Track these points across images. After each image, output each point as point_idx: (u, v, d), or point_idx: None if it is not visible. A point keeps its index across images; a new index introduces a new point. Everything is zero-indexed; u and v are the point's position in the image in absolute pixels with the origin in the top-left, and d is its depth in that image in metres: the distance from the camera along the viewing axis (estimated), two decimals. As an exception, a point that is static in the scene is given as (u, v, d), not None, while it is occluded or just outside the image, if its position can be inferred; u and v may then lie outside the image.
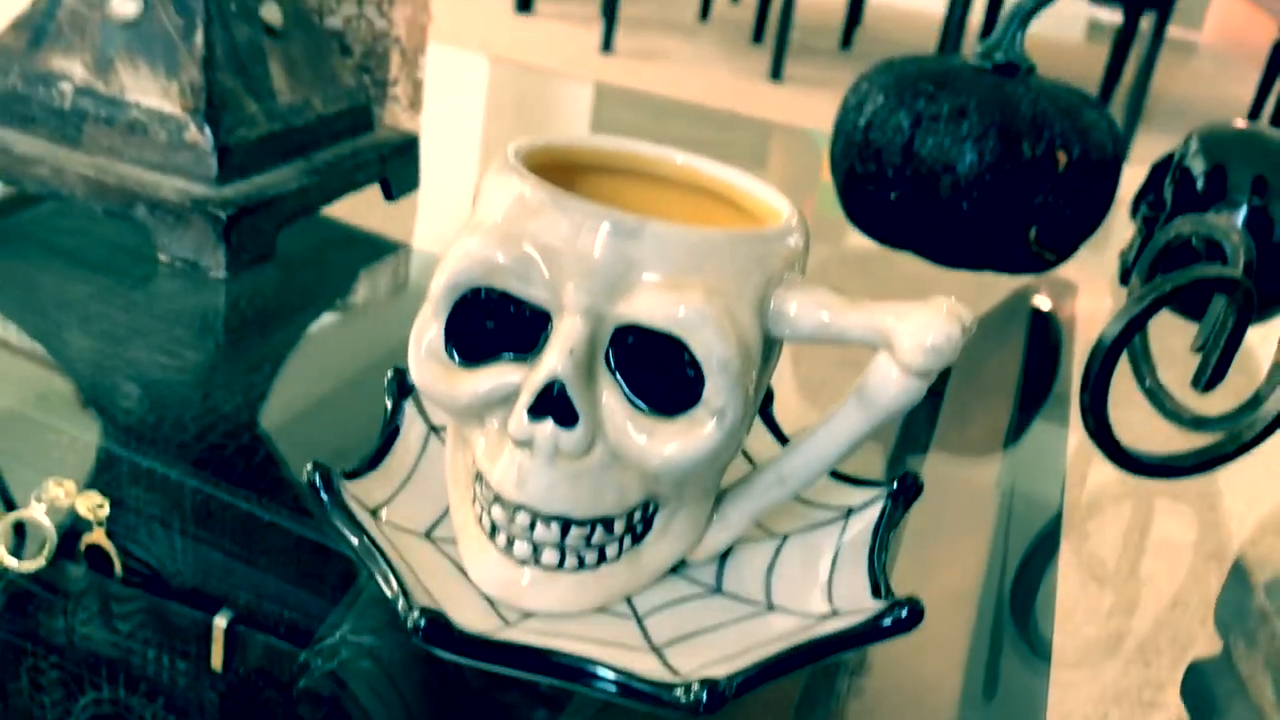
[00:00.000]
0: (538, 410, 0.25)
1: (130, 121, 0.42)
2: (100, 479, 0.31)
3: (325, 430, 0.36)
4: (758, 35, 2.87)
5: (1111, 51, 2.38)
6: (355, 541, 0.25)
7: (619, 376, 0.25)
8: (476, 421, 0.27)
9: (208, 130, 0.42)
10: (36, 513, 0.28)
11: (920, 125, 0.49)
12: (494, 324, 0.26)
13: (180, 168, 0.42)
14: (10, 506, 0.29)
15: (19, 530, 0.28)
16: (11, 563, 0.27)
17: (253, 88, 0.44)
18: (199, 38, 0.42)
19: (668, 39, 2.76)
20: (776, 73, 2.57)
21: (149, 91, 0.42)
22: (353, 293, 0.46)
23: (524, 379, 0.25)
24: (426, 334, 0.26)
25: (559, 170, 0.29)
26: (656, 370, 0.25)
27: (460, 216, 0.51)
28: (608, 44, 2.54)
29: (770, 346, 0.26)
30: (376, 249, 0.50)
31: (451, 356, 0.26)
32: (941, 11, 3.64)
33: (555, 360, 0.24)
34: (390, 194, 0.51)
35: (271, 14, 0.45)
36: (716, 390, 0.24)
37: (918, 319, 0.24)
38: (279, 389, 0.37)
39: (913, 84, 0.51)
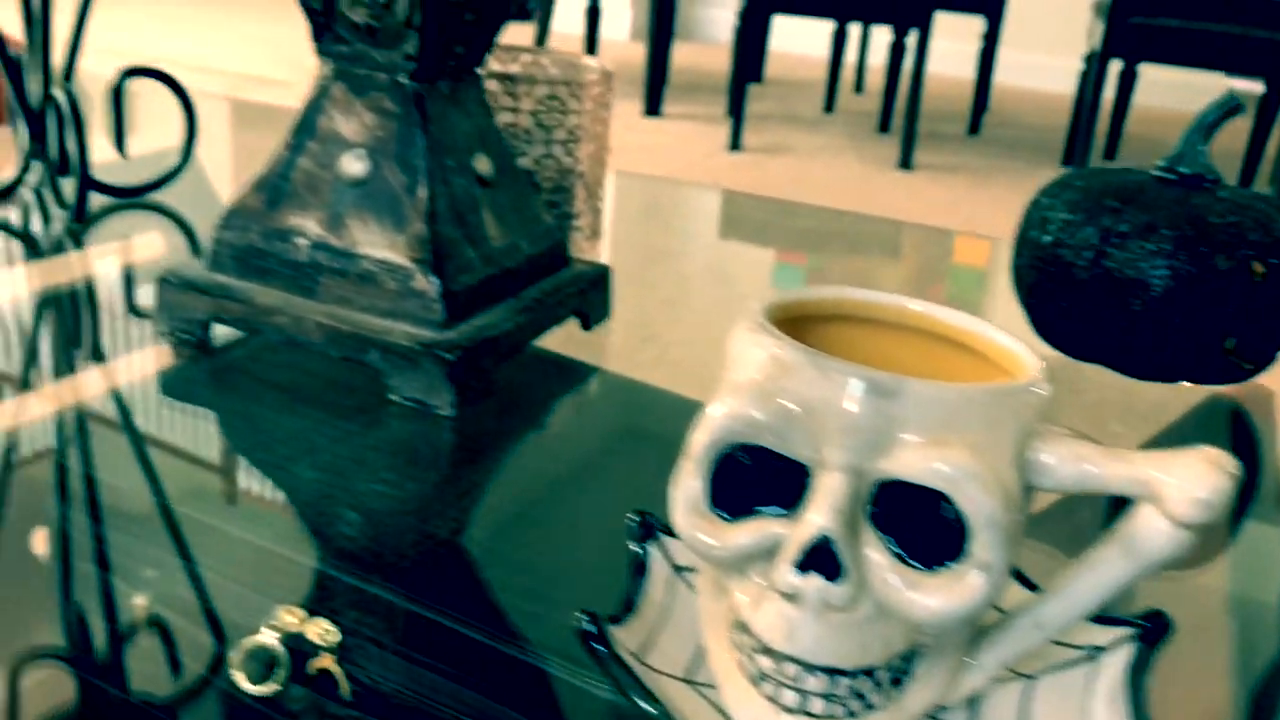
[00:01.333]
0: (805, 565, 0.26)
1: (361, 272, 0.46)
2: (329, 605, 0.33)
3: (546, 558, 0.37)
4: (884, 125, 2.89)
5: (1254, 125, 2.32)
6: (636, 691, 0.27)
7: (882, 530, 0.26)
8: (737, 572, 0.28)
9: (433, 279, 0.45)
10: (269, 639, 0.30)
11: (1109, 241, 0.50)
12: (753, 478, 0.27)
13: (408, 314, 0.45)
14: (244, 633, 0.32)
15: (254, 656, 0.30)
16: (248, 687, 0.30)
17: (469, 235, 0.47)
18: (422, 193, 0.46)
19: (794, 133, 2.79)
20: (906, 161, 2.58)
21: (378, 244, 0.46)
22: (565, 422, 0.48)
23: (788, 533, 0.26)
24: (688, 488, 0.28)
25: (798, 321, 0.31)
26: (919, 523, 0.26)
27: (642, 340, 0.52)
28: (736, 142, 2.59)
29: (1027, 496, 0.27)
30: (579, 375, 0.52)
31: (713, 510, 0.28)
32: (1067, 91, 3.60)
33: (821, 516, 0.26)
34: (587, 324, 0.54)
35: (483, 165, 0.49)
36: (984, 545, 0.25)
37: (1184, 471, 0.25)
38: (503, 519, 0.39)
39: (1098, 199, 0.51)
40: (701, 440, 0.27)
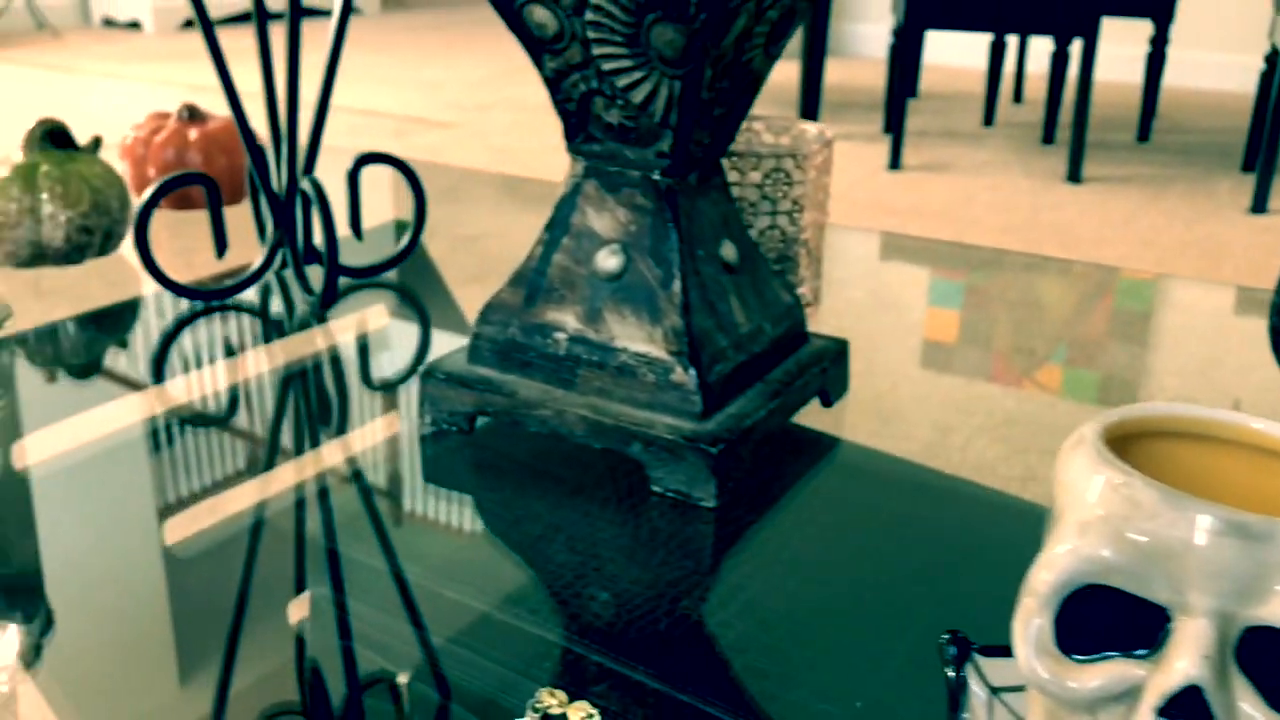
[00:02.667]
0: (1169, 712, 0.25)
1: (620, 365, 0.47)
2: (587, 687, 0.34)
3: (807, 648, 0.37)
4: (1048, 136, 2.80)
5: None
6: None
7: (1252, 678, 0.25)
8: (1086, 713, 0.27)
9: (691, 371, 0.45)
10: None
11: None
12: (1104, 618, 0.26)
13: (667, 405, 0.46)
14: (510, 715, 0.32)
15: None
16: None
17: (720, 324, 0.48)
18: (677, 286, 0.47)
19: (954, 148, 2.73)
20: (1075, 174, 2.49)
21: (635, 337, 0.47)
22: (821, 505, 0.48)
23: (1147, 678, 0.26)
24: (1034, 627, 0.27)
25: (1125, 439, 0.30)
26: (1293, 672, 0.25)
27: (881, 413, 0.51)
28: (895, 160, 2.55)
29: None
30: (828, 453, 0.52)
31: (1060, 649, 0.27)
32: (1243, 91, 3.43)
33: (1190, 665, 0.25)
34: (828, 401, 0.54)
35: (729, 251, 0.49)
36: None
37: None
38: (765, 608, 0.39)
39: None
40: (1048, 580, 0.27)
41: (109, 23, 4.38)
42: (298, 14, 0.64)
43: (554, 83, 0.47)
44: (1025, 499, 0.48)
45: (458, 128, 2.81)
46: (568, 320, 0.48)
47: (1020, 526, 0.46)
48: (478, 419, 0.50)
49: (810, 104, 2.79)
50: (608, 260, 0.48)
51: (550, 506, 0.46)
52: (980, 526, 0.46)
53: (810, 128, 0.63)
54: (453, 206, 0.91)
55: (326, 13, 4.92)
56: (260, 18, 0.64)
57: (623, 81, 0.45)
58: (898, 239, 0.95)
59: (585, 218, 0.49)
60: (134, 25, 4.32)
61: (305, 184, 0.62)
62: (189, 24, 4.35)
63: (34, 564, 0.42)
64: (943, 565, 0.43)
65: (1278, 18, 2.33)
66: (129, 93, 3.20)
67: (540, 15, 0.45)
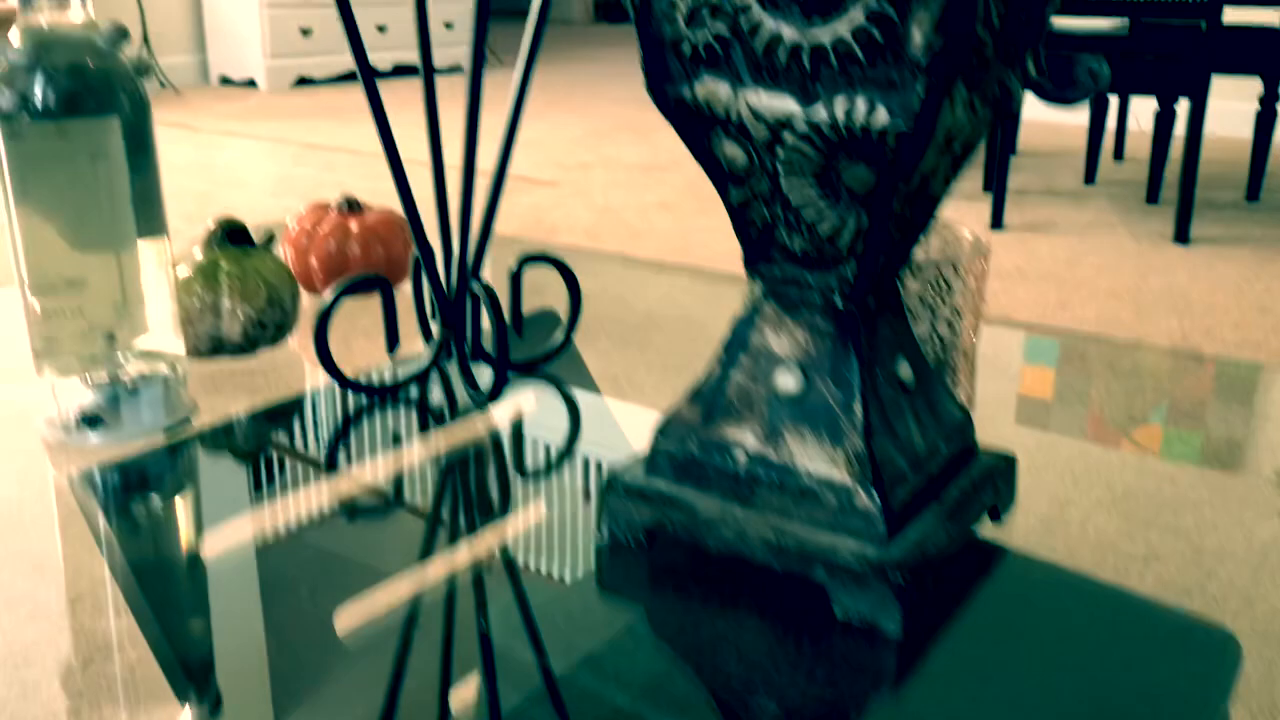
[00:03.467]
0: None
1: (800, 487, 0.48)
2: None
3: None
4: (1152, 195, 2.76)
5: None
6: None
7: None
8: None
9: (874, 496, 0.46)
10: None
11: None
12: None
13: (849, 529, 0.47)
14: None
15: None
16: None
17: (900, 446, 0.49)
18: (858, 409, 0.48)
19: (1057, 207, 2.71)
20: (1183, 235, 2.45)
21: (816, 460, 0.48)
22: (1004, 625, 0.48)
23: None
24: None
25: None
26: None
27: (1047, 523, 0.51)
28: (998, 220, 2.53)
29: None
30: (1006, 568, 0.53)
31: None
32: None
33: None
34: (997, 516, 0.54)
35: (905, 371, 0.50)
36: None
37: None
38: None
39: None
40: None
41: (226, 81, 4.57)
42: (476, 112, 0.67)
43: (738, 210, 0.49)
44: (1204, 616, 0.48)
45: (560, 186, 2.86)
46: (747, 439, 0.50)
47: (1196, 646, 0.45)
48: (654, 532, 0.52)
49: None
50: (787, 381, 0.49)
51: (725, 622, 0.47)
52: (1160, 650, 0.46)
53: (967, 233, 0.64)
54: (598, 293, 0.93)
55: (437, 70, 5.06)
56: (432, 111, 0.67)
57: (810, 213, 0.47)
58: (1041, 331, 0.95)
59: (764, 338, 0.50)
60: (250, 84, 4.49)
61: (476, 287, 0.65)
62: (301, 82, 4.51)
63: (207, 649, 0.45)
64: (1119, 688, 0.43)
65: (1400, 78, 2.28)
66: (247, 150, 3.33)
67: (731, 150, 0.47)
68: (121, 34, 0.58)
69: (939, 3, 0.39)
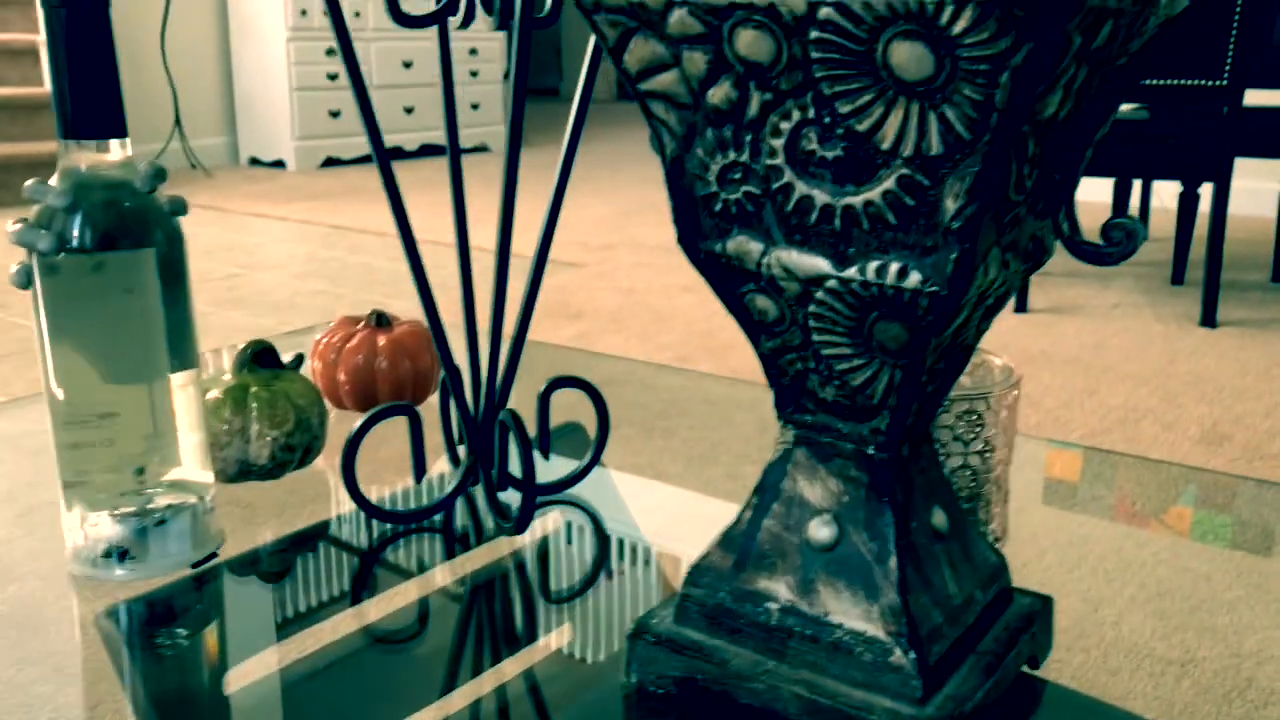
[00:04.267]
0: None
1: (835, 641, 0.47)
2: None
3: None
4: (1177, 276, 2.75)
5: None
6: None
7: None
8: None
9: (911, 654, 0.45)
10: None
11: None
12: None
13: (884, 687, 0.46)
14: None
15: None
16: None
17: (936, 599, 0.48)
18: (892, 562, 0.47)
19: (1081, 288, 2.70)
20: (1209, 318, 2.43)
21: (851, 614, 0.47)
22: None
23: None
24: None
25: None
26: None
27: (1094, 667, 0.50)
28: (1022, 304, 2.53)
29: None
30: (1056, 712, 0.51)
31: None
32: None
33: None
34: (1036, 664, 0.53)
35: (939, 519, 0.49)
36: None
37: None
38: None
39: None
40: None
41: (255, 161, 4.65)
42: (508, 234, 0.67)
43: (769, 359, 0.49)
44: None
45: (584, 267, 2.88)
46: (779, 589, 0.49)
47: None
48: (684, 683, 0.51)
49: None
50: (820, 531, 0.48)
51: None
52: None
53: (997, 363, 0.63)
54: (623, 403, 0.93)
55: (463, 150, 5.17)
56: (464, 258, 0.67)
57: (842, 366, 0.46)
58: (1073, 451, 0.94)
59: (796, 485, 0.50)
60: (278, 164, 4.57)
61: (504, 416, 0.65)
62: (328, 162, 4.59)
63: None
64: None
65: None
66: (275, 231, 3.37)
67: (762, 303, 0.47)
68: (158, 174, 0.59)
69: (971, 172, 0.39)
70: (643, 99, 0.46)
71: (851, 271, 0.43)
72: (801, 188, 0.43)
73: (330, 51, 4.48)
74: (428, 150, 4.87)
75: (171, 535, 0.62)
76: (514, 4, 0.61)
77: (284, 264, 2.99)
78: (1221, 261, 2.37)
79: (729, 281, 0.47)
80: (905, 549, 0.47)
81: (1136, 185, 3.29)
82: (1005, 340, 2.26)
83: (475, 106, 5.02)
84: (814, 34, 0.39)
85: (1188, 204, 2.55)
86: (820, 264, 0.44)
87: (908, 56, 0.38)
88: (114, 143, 0.59)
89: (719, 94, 0.43)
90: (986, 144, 0.39)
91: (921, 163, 0.40)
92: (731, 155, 0.45)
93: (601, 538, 0.68)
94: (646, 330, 2.32)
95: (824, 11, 0.39)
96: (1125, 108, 2.60)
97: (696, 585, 0.51)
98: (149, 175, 0.59)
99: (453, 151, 0.67)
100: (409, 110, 4.79)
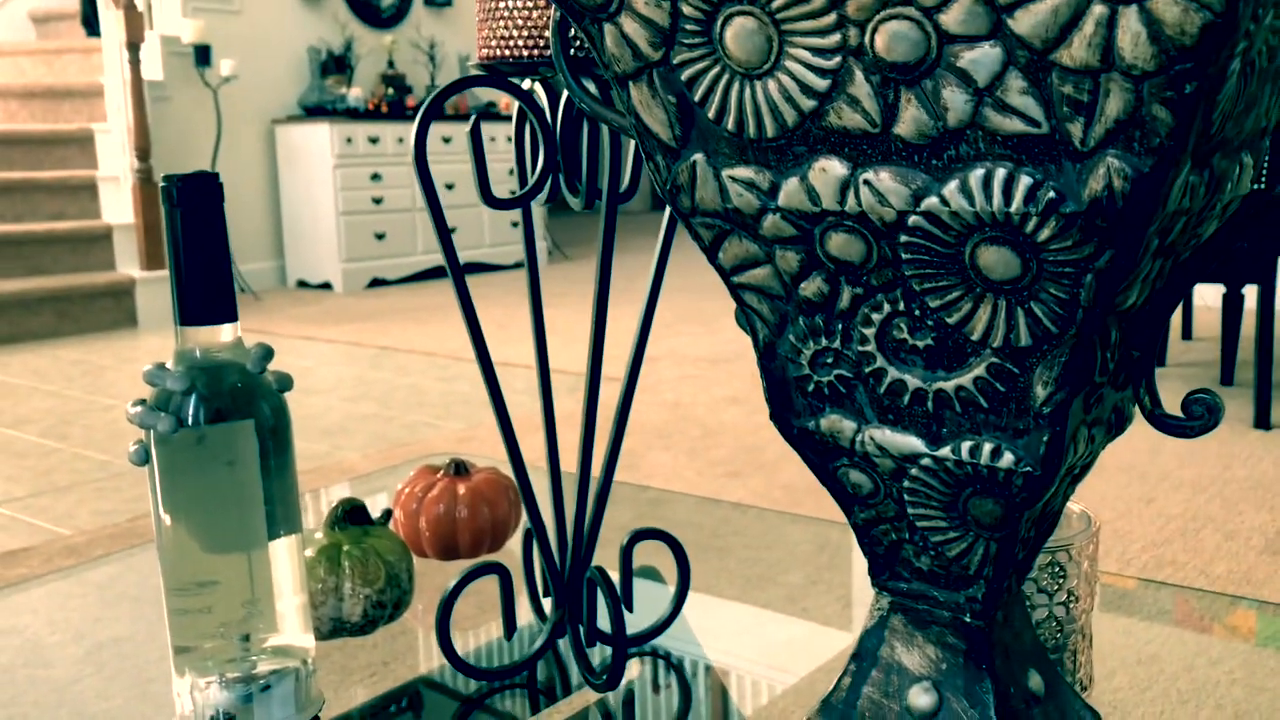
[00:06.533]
0: None
1: (941, 810, 0.48)
2: None
3: None
4: (1226, 377, 2.74)
5: None
6: None
7: None
8: None
9: (1019, 823, 0.46)
10: None
11: None
12: None
13: None
14: None
15: None
16: None
17: (1038, 765, 0.48)
18: (994, 729, 0.48)
19: (1129, 393, 2.68)
20: (1263, 421, 2.42)
21: (956, 782, 0.48)
22: None
23: None
24: None
25: None
26: None
27: None
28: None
29: None
30: None
31: None
32: None
33: None
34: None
35: (1036, 683, 0.50)
36: None
37: None
38: None
39: None
40: None
41: (303, 284, 4.77)
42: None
43: (863, 529, 0.51)
44: None
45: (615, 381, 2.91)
46: (883, 757, 0.50)
47: None
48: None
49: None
50: (921, 698, 0.50)
51: None
52: None
53: (1075, 510, 0.65)
54: (697, 544, 0.94)
55: (496, 267, 5.22)
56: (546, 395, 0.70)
57: (937, 539, 0.48)
58: (1151, 590, 0.94)
59: (894, 652, 0.51)
60: (325, 286, 4.69)
61: (592, 573, 0.67)
62: (374, 283, 4.70)
63: None
64: None
65: None
66: (324, 354, 3.44)
67: (856, 477, 0.49)
68: (267, 354, 0.63)
69: (1060, 361, 0.42)
70: (736, 290, 0.49)
71: (945, 451, 0.45)
72: (894, 373, 0.45)
73: (375, 176, 4.63)
74: (470, 268, 4.98)
75: (275, 700, 0.63)
76: (598, 186, 0.65)
77: (333, 388, 3.05)
78: (1272, 363, 2.37)
79: (823, 457, 0.50)
80: (1004, 714, 0.48)
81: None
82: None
83: (515, 224, 5.15)
84: (904, 238, 0.42)
85: (1232, 305, 2.56)
86: (914, 443, 0.46)
87: (995, 260, 0.41)
88: (226, 326, 0.62)
89: (811, 288, 0.46)
90: (1073, 336, 0.41)
91: (1011, 352, 0.42)
92: (823, 342, 0.47)
93: (683, 686, 0.69)
94: (695, 446, 2.34)
95: (914, 220, 0.41)
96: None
97: (798, 751, 0.52)
98: (259, 357, 0.62)
99: (533, 282, 0.70)
100: (452, 230, 4.92)
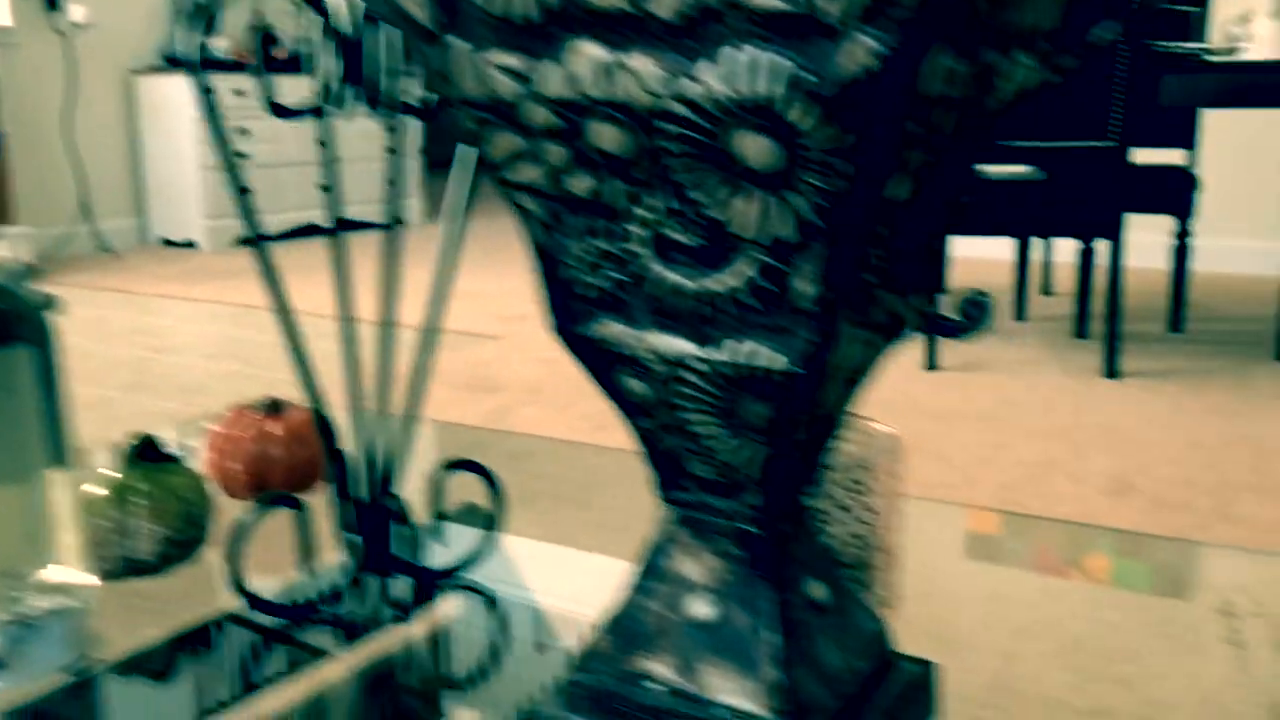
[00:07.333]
0: None
1: (717, 719, 0.47)
2: None
3: None
4: (1080, 330, 2.83)
5: None
6: None
7: None
8: None
9: (793, 730, 0.46)
10: None
11: None
12: None
13: (768, 764, 0.46)
14: None
15: None
16: None
17: (817, 672, 0.48)
18: (771, 637, 0.47)
19: (988, 345, 2.76)
20: (1112, 370, 2.51)
21: (732, 691, 0.47)
22: None
23: None
24: None
25: None
26: None
27: None
28: (932, 361, 2.58)
29: None
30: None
31: None
32: (1272, 275, 3.47)
33: None
34: (920, 732, 0.53)
35: (818, 591, 0.50)
36: None
37: None
38: None
39: None
40: None
41: (166, 242, 4.58)
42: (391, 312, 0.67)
43: (646, 440, 0.49)
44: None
45: (503, 339, 2.88)
46: (661, 670, 0.49)
47: None
48: (574, 766, 0.50)
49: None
50: (701, 608, 0.49)
51: None
52: None
53: (879, 429, 0.65)
54: (523, 480, 0.93)
55: (368, 225, 5.12)
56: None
57: (714, 444, 0.47)
58: (962, 512, 0.96)
59: (677, 564, 0.50)
60: (189, 244, 4.51)
61: (389, 502, 0.64)
62: (241, 242, 4.54)
63: None
64: None
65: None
66: (186, 313, 3.32)
67: (634, 385, 0.47)
68: (28, 270, 0.58)
69: (821, 257, 0.41)
70: (508, 190, 0.47)
71: (715, 352, 0.44)
72: (663, 273, 0.44)
73: (243, 131, 4.46)
74: (345, 225, 4.85)
75: (48, 640, 0.60)
76: (394, 98, 0.62)
77: (194, 345, 2.94)
78: (1120, 314, 2.45)
79: (601, 364, 0.48)
80: (785, 623, 0.48)
81: (1038, 241, 3.40)
82: (915, 399, 2.31)
83: (392, 183, 5.02)
84: (666, 127, 0.41)
85: (1085, 259, 2.64)
86: (685, 346, 0.45)
87: (754, 148, 0.39)
88: (-18, 241, 0.58)
89: (581, 185, 0.44)
90: (835, 230, 0.40)
91: (775, 248, 0.41)
92: (597, 243, 0.45)
93: (494, 621, 0.67)
94: (565, 401, 2.32)
95: (673, 106, 0.40)
96: (1023, 170, 2.69)
97: (583, 671, 0.51)
98: (18, 271, 0.58)
99: (337, 228, 0.67)
100: (326, 189, 4.77)
